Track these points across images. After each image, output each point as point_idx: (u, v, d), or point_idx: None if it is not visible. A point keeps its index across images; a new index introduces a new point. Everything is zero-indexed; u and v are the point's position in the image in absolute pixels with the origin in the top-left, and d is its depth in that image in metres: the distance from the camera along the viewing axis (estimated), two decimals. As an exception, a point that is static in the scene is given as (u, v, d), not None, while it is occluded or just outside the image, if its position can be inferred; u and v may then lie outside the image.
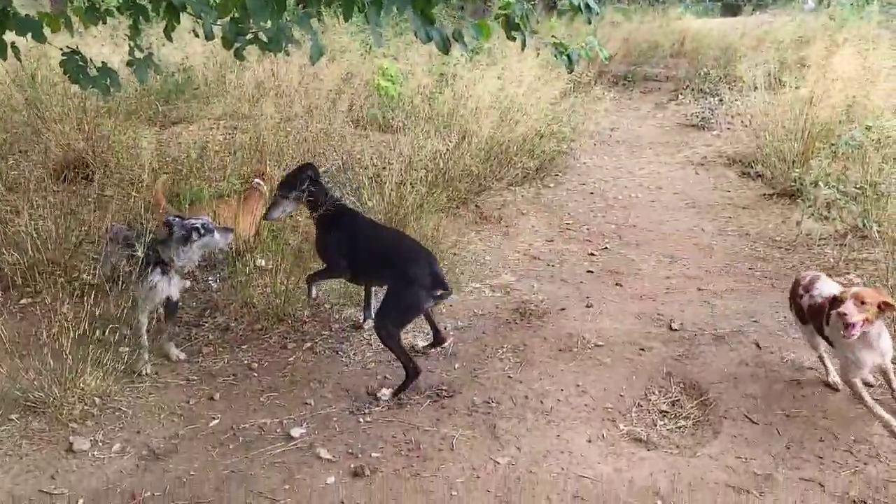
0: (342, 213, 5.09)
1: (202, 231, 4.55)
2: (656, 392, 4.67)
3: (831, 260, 6.56)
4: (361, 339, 5.28)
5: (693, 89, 14.81)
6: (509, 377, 4.82)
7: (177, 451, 4.04)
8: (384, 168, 6.70)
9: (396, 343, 4.57)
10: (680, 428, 4.30)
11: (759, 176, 9.68)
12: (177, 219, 4.59)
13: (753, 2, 39.01)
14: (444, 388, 4.66)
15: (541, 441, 4.13)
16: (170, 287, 4.70)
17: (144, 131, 7.23)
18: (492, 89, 8.45)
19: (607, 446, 4.10)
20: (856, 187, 6.82)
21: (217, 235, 4.63)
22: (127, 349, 4.64)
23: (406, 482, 3.82)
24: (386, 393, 4.58)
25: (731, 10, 35.88)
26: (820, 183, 6.95)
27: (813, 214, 7.08)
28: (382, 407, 4.48)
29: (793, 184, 8.22)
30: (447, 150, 6.63)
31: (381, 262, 4.80)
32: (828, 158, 7.32)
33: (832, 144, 7.45)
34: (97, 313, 4.32)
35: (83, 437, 4.07)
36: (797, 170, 8.03)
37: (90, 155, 7.02)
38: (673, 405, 4.54)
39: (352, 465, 3.94)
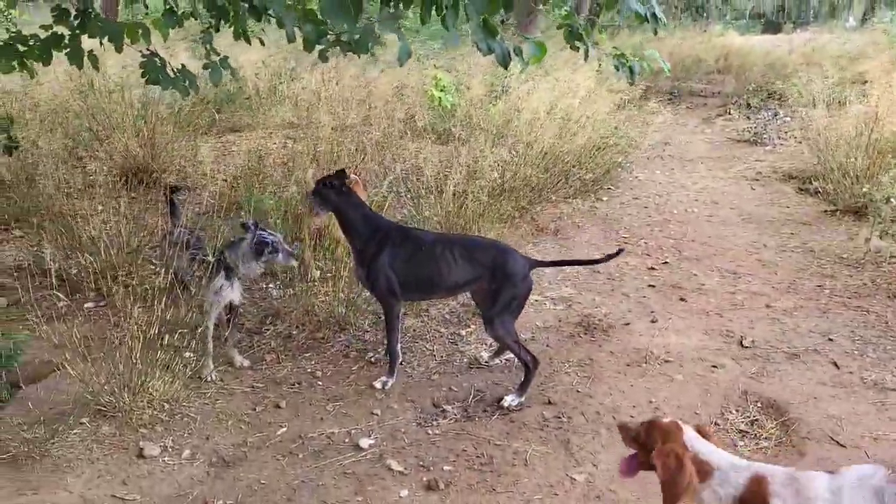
0: (386, 229, 4.73)
1: (271, 249, 4.53)
2: (733, 411, 4.51)
3: (903, 279, 6.34)
4: (424, 349, 5.19)
5: (741, 104, 14.58)
6: (578, 391, 4.70)
7: (246, 458, 3.98)
8: (444, 177, 6.63)
9: (515, 339, 4.55)
10: (762, 449, 4.14)
11: (818, 192, 9.45)
12: (254, 225, 4.53)
13: (794, 19, 38.64)
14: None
15: (618, 458, 3.99)
16: (233, 291, 4.67)
17: (202, 139, 7.22)
18: (546, 101, 8.36)
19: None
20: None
21: (281, 257, 4.61)
22: (192, 355, 4.61)
23: (481, 497, 3.71)
24: (512, 398, 4.51)
25: (773, 27, 35.64)
26: (892, 199, 6.73)
27: (883, 232, 6.85)
28: (450, 419, 4.39)
29: (859, 200, 8.01)
30: (511, 159, 6.54)
31: (458, 270, 4.60)
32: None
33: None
34: (166, 318, 4.29)
35: (153, 442, 4.02)
36: (864, 185, 7.80)
37: (151, 161, 7.05)
38: (752, 424, 4.38)
39: (424, 479, 3.84)
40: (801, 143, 10.39)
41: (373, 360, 5.00)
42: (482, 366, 4.98)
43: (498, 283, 4.54)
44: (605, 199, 8.98)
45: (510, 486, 3.79)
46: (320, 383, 4.75)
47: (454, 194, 6.19)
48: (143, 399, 4.20)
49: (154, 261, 5.18)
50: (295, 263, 4.85)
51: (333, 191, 4.65)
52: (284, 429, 4.25)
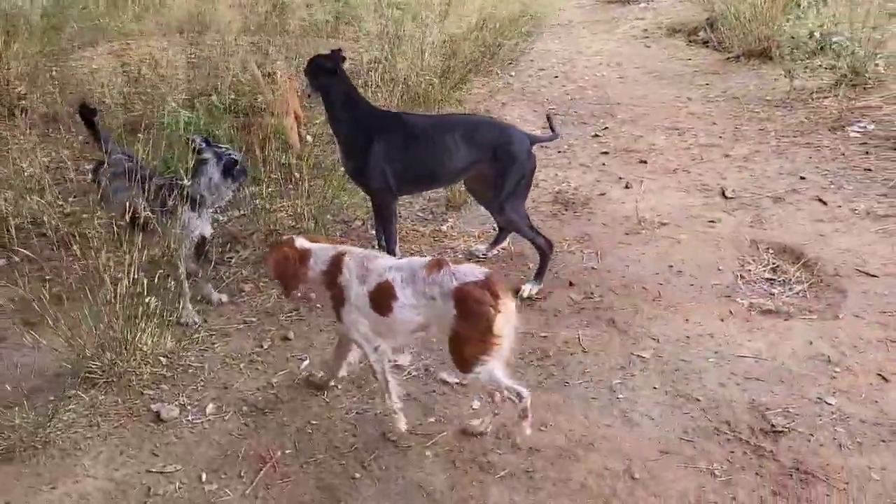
0: (379, 116, 4.23)
1: (240, 168, 3.91)
2: (751, 261, 4.42)
3: (833, 112, 6.48)
4: (411, 251, 4.72)
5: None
6: (593, 268, 4.45)
7: (280, 401, 3.43)
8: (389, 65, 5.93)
9: (528, 223, 4.23)
10: (798, 293, 4.08)
11: (706, 42, 9.56)
12: (205, 145, 3.84)
13: None
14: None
15: (672, 328, 3.81)
16: (203, 223, 3.97)
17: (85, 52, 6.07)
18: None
19: (743, 322, 3.82)
20: (848, 36, 6.73)
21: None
22: (156, 300, 3.84)
23: (558, 394, 3.40)
24: (530, 286, 4.17)
25: None
26: (815, 33, 6.80)
27: (804, 69, 6.97)
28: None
29: (762, 43, 8.10)
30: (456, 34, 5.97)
31: (459, 155, 4.11)
32: (811, 7, 7.16)
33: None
34: (128, 262, 3.52)
35: (166, 403, 3.38)
36: (768, 26, 7.87)
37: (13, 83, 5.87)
38: (775, 271, 4.31)
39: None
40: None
41: None
42: (480, 258, 4.59)
43: (502, 165, 4.11)
44: (513, 73, 8.59)
45: (581, 375, 3.50)
46: (319, 305, 4.19)
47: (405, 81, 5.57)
48: (133, 357, 3.50)
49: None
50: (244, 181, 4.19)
51: (325, 72, 4.02)
52: (307, 361, 3.71)
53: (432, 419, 3.29)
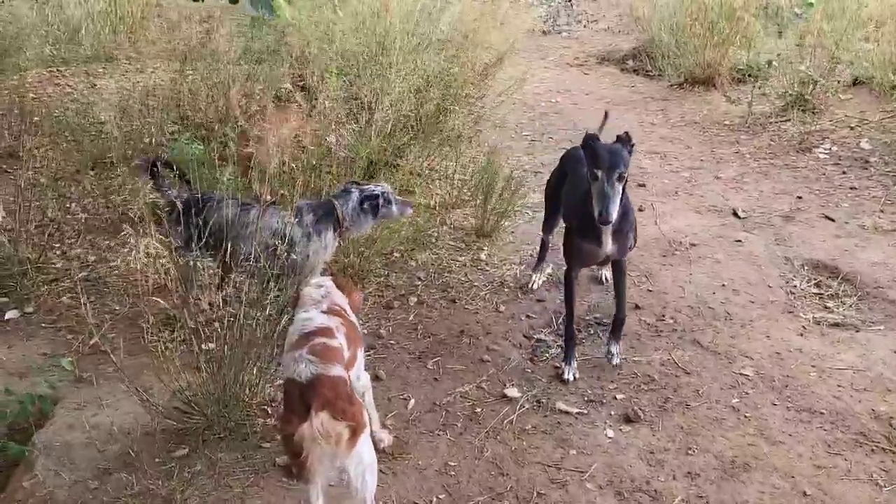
0: None
1: (383, 202, 3.90)
2: (793, 277, 4.65)
3: (795, 135, 6.95)
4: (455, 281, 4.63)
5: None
6: (649, 290, 4.54)
7: (405, 443, 3.26)
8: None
9: None
10: (852, 307, 4.32)
11: (636, 71, 10.03)
12: (354, 185, 3.99)
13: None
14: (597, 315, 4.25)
15: (759, 345, 3.95)
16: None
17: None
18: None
19: (821, 336, 4.02)
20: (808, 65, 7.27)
21: (395, 209, 3.98)
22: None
23: (685, 416, 3.44)
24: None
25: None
26: (773, 62, 7.29)
27: (764, 94, 7.47)
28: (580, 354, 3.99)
29: (705, 70, 8.57)
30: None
31: None
32: (770, 37, 7.68)
33: (776, 23, 7.82)
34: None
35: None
36: (710, 54, 8.35)
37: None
38: (819, 286, 4.55)
39: (619, 413, 3.46)
40: (603, 29, 10.80)
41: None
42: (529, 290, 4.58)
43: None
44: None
45: (697, 396, 3.56)
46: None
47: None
48: (238, 409, 3.25)
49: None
50: (410, 213, 4.23)
51: None
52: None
53: (573, 451, 3.24)
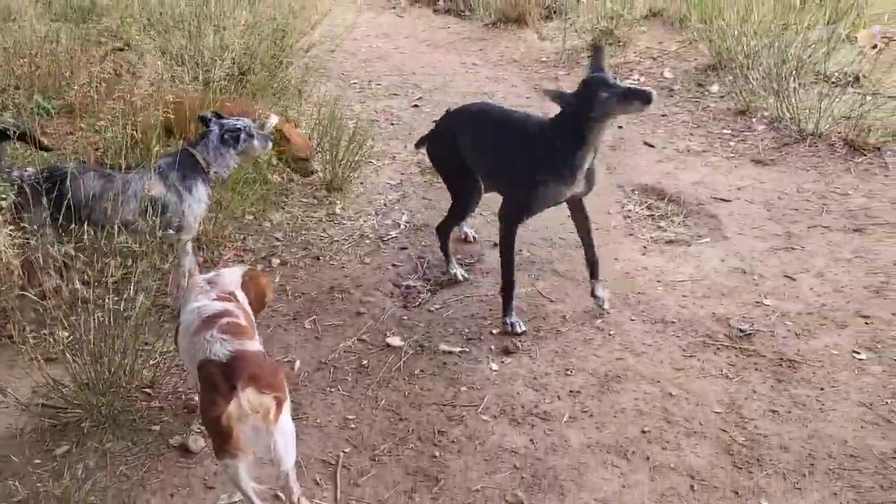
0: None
1: (245, 135, 3.74)
2: (628, 202, 5.07)
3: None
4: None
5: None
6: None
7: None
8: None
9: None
10: (680, 224, 4.79)
11: (448, 11, 10.23)
12: (216, 115, 3.79)
13: None
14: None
15: (608, 267, 4.22)
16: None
17: None
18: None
19: (660, 253, 4.45)
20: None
21: (256, 142, 3.82)
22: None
23: (544, 345, 3.72)
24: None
25: None
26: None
27: (575, 30, 7.90)
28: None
29: (515, 8, 8.89)
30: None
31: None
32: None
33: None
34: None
35: (182, 434, 3.09)
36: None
37: None
38: (650, 209, 5.00)
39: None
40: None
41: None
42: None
43: None
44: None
45: (564, 321, 3.84)
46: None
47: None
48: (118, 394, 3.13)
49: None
50: (270, 148, 4.05)
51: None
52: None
53: (464, 388, 3.42)
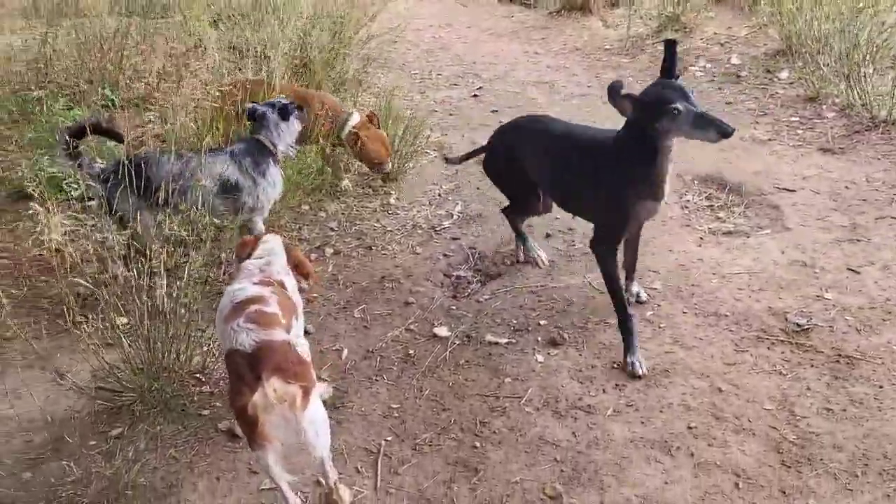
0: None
1: (294, 109, 4.03)
2: (686, 192, 4.95)
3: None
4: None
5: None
6: (556, 219, 4.73)
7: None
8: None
9: None
10: (740, 214, 4.66)
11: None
12: (254, 104, 4.03)
13: None
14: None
15: (663, 259, 4.20)
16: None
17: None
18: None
19: (717, 244, 4.33)
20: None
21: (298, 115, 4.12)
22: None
23: (589, 337, 3.68)
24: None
25: None
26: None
27: (641, 17, 7.74)
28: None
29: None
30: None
31: None
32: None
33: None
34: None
35: (231, 419, 3.17)
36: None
37: None
38: (709, 199, 4.87)
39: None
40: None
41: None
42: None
43: None
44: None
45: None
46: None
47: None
48: (170, 380, 3.24)
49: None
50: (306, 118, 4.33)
51: None
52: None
53: (508, 379, 3.42)
